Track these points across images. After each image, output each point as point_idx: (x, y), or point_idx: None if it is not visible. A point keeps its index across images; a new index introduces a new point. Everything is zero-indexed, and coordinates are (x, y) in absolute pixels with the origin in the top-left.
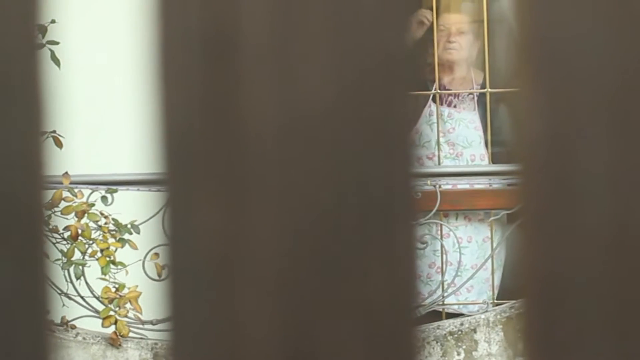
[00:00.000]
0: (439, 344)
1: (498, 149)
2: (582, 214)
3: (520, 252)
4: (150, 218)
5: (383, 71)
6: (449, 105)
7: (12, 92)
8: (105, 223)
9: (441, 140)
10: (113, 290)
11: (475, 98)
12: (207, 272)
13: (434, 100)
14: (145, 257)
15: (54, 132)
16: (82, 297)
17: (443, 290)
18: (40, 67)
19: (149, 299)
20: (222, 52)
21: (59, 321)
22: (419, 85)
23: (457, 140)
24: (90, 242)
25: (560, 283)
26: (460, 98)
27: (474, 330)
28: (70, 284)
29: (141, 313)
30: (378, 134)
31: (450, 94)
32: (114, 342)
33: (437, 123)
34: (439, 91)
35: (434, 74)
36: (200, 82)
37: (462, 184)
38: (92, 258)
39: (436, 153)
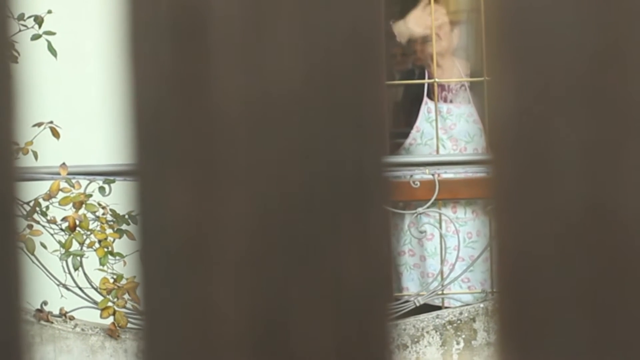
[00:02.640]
0: (438, 333)
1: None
2: (553, 193)
3: (493, 234)
4: None
5: (353, 51)
6: (445, 100)
7: None
8: (103, 214)
9: (444, 137)
10: (111, 281)
11: (467, 89)
12: (178, 254)
13: (429, 97)
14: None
15: (51, 122)
16: (80, 288)
17: (443, 279)
18: (10, 57)
19: None
20: (192, 31)
21: (57, 312)
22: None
23: (459, 136)
24: (88, 232)
25: (531, 263)
26: (453, 92)
27: (473, 320)
28: (68, 275)
29: (139, 304)
30: (348, 114)
31: (444, 90)
32: (113, 333)
33: (436, 120)
34: (436, 80)
35: (426, 67)
36: (169, 61)
37: (461, 173)
38: (90, 249)
39: (439, 150)
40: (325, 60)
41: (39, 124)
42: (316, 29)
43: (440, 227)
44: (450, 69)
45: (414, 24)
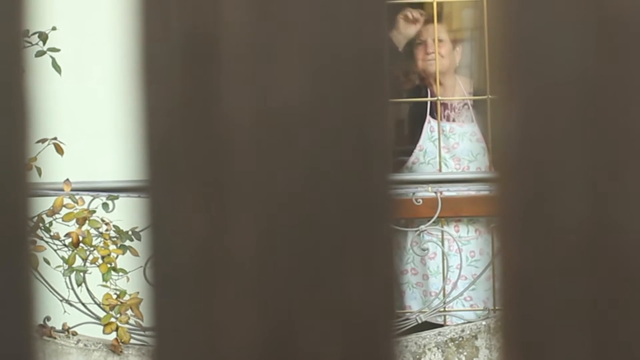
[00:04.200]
0: (440, 350)
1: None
2: (556, 211)
3: (497, 253)
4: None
5: (360, 69)
6: (448, 119)
7: None
8: (107, 230)
9: (446, 156)
10: (114, 296)
11: (471, 108)
12: (187, 274)
13: (432, 115)
14: (146, 264)
15: (55, 138)
16: (83, 304)
17: (445, 296)
18: (26, 74)
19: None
20: (202, 52)
21: (60, 327)
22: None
23: (462, 155)
24: (92, 248)
25: (534, 280)
26: (456, 111)
27: (475, 337)
28: (71, 291)
29: (142, 320)
30: (354, 133)
31: (446, 108)
32: (116, 348)
33: (439, 139)
34: (440, 98)
35: (429, 85)
36: (180, 81)
37: (464, 191)
38: (93, 265)
39: (442, 169)
40: (332, 80)
41: (42, 140)
42: (323, 51)
43: (443, 245)
44: (453, 87)
45: (403, 27)
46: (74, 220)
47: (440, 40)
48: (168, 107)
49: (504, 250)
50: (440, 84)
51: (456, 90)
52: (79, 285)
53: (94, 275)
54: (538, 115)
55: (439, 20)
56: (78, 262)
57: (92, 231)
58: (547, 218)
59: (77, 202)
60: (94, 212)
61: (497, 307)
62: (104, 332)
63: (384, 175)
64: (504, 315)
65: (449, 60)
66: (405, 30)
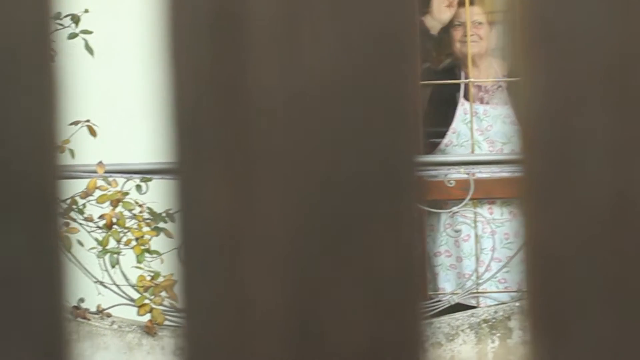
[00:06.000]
0: (473, 331)
1: None
2: (581, 187)
3: (522, 229)
4: None
5: (386, 48)
6: (482, 102)
7: (25, 79)
8: (140, 212)
9: (480, 138)
10: (148, 278)
11: (505, 90)
12: (216, 247)
13: (465, 97)
14: (180, 246)
15: (88, 121)
16: (117, 286)
17: (478, 278)
18: (53, 54)
19: None
20: (230, 30)
21: (94, 309)
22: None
23: (496, 138)
24: (125, 230)
25: (561, 260)
26: (490, 93)
27: (509, 318)
28: (105, 273)
29: (176, 301)
30: (382, 108)
31: (480, 91)
32: (150, 330)
33: (472, 121)
34: (473, 80)
35: (463, 67)
36: (207, 58)
37: (497, 172)
38: (127, 246)
39: (475, 152)
40: (359, 57)
41: (75, 122)
42: (350, 27)
43: (476, 227)
44: (487, 70)
45: (437, 12)
46: (108, 202)
47: (478, 23)
48: (196, 84)
49: (530, 230)
50: (476, 66)
51: (490, 72)
52: (112, 267)
53: (127, 257)
54: (563, 88)
55: (473, 3)
56: (112, 244)
57: (126, 213)
58: (572, 192)
59: (110, 184)
60: (128, 194)
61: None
62: (138, 314)
63: (412, 151)
64: (531, 297)
65: (487, 43)
66: (439, 15)
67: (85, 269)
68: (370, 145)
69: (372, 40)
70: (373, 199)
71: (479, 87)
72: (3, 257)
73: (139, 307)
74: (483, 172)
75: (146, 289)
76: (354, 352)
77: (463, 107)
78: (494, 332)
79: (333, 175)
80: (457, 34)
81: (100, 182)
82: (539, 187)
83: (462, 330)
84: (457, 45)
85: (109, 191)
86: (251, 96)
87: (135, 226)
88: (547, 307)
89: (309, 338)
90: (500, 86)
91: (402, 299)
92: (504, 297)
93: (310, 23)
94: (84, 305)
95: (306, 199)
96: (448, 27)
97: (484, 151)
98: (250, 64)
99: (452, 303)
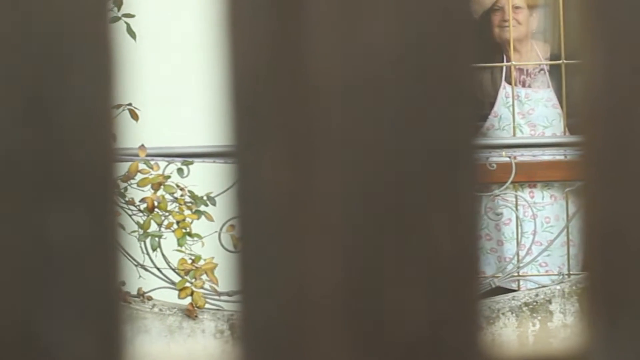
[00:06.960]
0: (514, 314)
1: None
2: None
3: (582, 210)
4: (227, 190)
5: (445, 32)
6: (524, 85)
7: (78, 64)
8: (181, 195)
9: (521, 122)
10: (189, 261)
11: (547, 73)
12: (274, 228)
13: (507, 81)
14: (221, 229)
15: (130, 104)
16: (158, 269)
17: (518, 261)
18: (109, 38)
19: (225, 270)
20: (289, 6)
21: (135, 292)
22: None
23: (537, 121)
24: (167, 214)
25: (621, 238)
26: (532, 76)
27: (549, 301)
28: (146, 256)
29: (217, 284)
30: (443, 87)
31: (522, 74)
32: (190, 313)
33: (513, 105)
34: (513, 63)
35: (505, 51)
36: (266, 38)
37: (538, 156)
38: (168, 230)
39: (516, 135)
40: (419, 40)
41: (118, 106)
42: (410, 10)
43: (517, 210)
44: (529, 53)
45: None
46: (149, 186)
47: (517, 7)
48: (255, 64)
49: (589, 212)
50: (516, 50)
51: (532, 56)
52: (154, 250)
53: (168, 240)
54: (623, 67)
55: None
56: (153, 227)
57: (167, 196)
58: (633, 177)
59: (152, 168)
60: (169, 177)
61: (572, 273)
62: (179, 297)
63: (472, 132)
64: (588, 279)
65: (526, 27)
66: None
67: (126, 252)
68: (431, 125)
69: (432, 18)
70: (434, 178)
71: (520, 70)
72: (63, 238)
73: (180, 290)
74: (525, 155)
75: (187, 272)
76: (412, 331)
77: (505, 90)
78: (534, 315)
79: (393, 154)
80: (496, 18)
81: (141, 166)
82: (601, 166)
83: (503, 314)
84: (496, 30)
85: (151, 174)
86: (310, 76)
87: (176, 209)
88: (605, 288)
89: (367, 318)
90: (542, 69)
91: (461, 278)
92: (544, 280)
93: (371, 5)
94: (125, 289)
95: (366, 179)
96: (488, 11)
97: (525, 135)
98: (310, 42)
99: (493, 287)
